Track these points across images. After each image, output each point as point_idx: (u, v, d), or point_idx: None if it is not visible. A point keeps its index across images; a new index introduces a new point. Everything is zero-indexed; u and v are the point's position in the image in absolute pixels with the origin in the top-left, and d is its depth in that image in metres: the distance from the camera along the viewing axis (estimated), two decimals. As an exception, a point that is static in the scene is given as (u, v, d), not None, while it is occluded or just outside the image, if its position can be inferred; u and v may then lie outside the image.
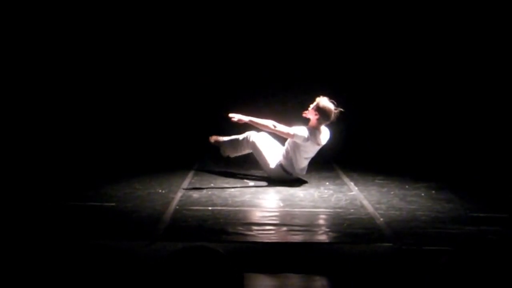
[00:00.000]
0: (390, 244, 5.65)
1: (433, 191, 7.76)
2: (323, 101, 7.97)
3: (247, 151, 8.51)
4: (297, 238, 5.89)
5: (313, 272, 5.08)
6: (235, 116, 7.87)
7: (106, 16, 10.75)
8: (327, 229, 6.19)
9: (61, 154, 9.51)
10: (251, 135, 8.39)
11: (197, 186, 7.91)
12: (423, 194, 7.62)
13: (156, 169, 8.76)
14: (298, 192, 7.73)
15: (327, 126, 8.16)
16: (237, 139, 8.49)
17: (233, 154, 8.62)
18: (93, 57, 10.80)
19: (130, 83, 10.90)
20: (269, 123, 7.94)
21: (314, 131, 7.99)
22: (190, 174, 8.52)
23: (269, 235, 5.94)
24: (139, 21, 10.84)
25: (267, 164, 8.30)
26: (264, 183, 8.16)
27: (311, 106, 8.01)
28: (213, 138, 8.68)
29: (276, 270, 5.22)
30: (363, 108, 10.81)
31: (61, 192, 7.42)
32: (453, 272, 2.24)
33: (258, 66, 10.96)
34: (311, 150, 8.10)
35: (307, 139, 7.94)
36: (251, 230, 6.01)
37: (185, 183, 8.00)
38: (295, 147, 8.06)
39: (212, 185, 7.99)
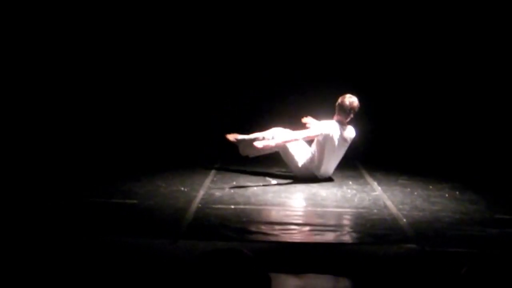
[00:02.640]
0: (414, 246, 5.61)
1: (457, 192, 7.71)
2: (342, 98, 8.08)
3: (271, 151, 8.44)
4: (320, 238, 5.87)
5: (335, 273, 5.05)
6: (260, 145, 7.98)
7: (121, 15, 10.75)
8: (350, 229, 6.18)
9: (84, 151, 9.53)
10: (277, 133, 8.34)
11: (219, 184, 7.90)
12: (447, 195, 7.57)
13: (178, 167, 8.76)
14: (321, 191, 7.70)
15: (352, 124, 8.15)
16: (259, 138, 8.44)
17: (252, 154, 8.54)
18: (112, 54, 10.80)
19: (155, 81, 10.90)
20: (296, 135, 8.06)
21: (338, 124, 8.06)
22: (212, 172, 8.51)
23: (292, 234, 5.93)
24: (162, 17, 10.84)
25: (295, 163, 8.24)
26: (287, 182, 8.13)
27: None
28: (232, 136, 8.65)
29: (298, 270, 5.20)
30: (388, 108, 10.75)
31: (83, 188, 7.44)
32: (473, 283, 2.20)
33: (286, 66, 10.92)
34: (338, 150, 8.07)
35: (332, 131, 7.97)
36: (274, 230, 6.00)
37: (207, 181, 7.98)
38: (322, 147, 8.03)
39: (234, 183, 7.97)
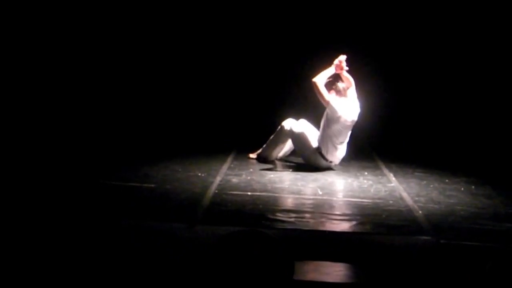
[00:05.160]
0: (429, 238, 5.64)
1: (473, 186, 7.69)
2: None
3: (288, 141, 8.47)
4: (335, 227, 5.91)
5: (350, 261, 5.08)
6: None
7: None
8: (366, 219, 6.18)
9: (104, 134, 9.57)
10: (286, 124, 8.39)
11: (237, 170, 7.93)
12: (462, 189, 7.57)
13: (196, 152, 8.79)
14: (337, 181, 7.72)
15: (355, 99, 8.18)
16: (273, 138, 8.51)
17: (278, 154, 8.59)
18: (133, 42, 10.85)
19: (173, 66, 10.94)
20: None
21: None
22: (230, 159, 8.53)
23: (308, 222, 5.97)
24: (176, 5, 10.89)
25: (305, 148, 8.25)
26: (303, 170, 8.13)
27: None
28: (253, 154, 8.70)
29: (313, 257, 5.23)
30: (407, 100, 10.74)
31: (102, 171, 7.48)
32: (499, 279, 2.21)
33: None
34: (343, 128, 8.08)
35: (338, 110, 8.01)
36: (290, 217, 6.04)
37: (224, 167, 8.01)
38: (329, 125, 8.05)
39: (251, 170, 8.00)
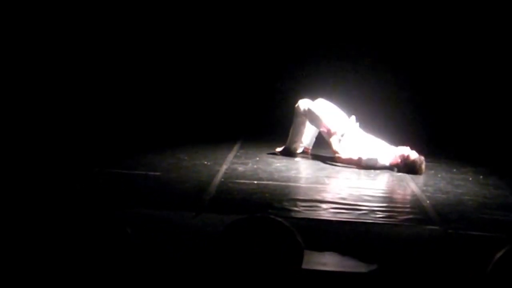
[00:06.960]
0: (436, 227, 5.62)
1: (481, 176, 7.65)
2: (413, 156, 7.72)
3: (306, 124, 8.14)
4: (342, 216, 5.88)
5: (357, 251, 5.05)
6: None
7: None
8: (373, 209, 6.14)
9: (109, 123, 9.54)
10: (301, 103, 8.10)
11: (243, 159, 7.88)
12: (470, 179, 7.53)
13: (202, 141, 8.74)
14: (344, 170, 7.67)
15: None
16: (292, 125, 8.20)
17: (305, 141, 8.27)
18: (139, 28, 10.81)
19: (180, 53, 10.90)
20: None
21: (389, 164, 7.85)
22: (236, 147, 8.48)
23: (314, 211, 5.95)
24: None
25: (327, 128, 7.96)
26: (310, 159, 8.10)
27: (398, 154, 7.76)
28: (279, 148, 8.30)
29: (319, 247, 5.20)
30: (416, 90, 10.68)
31: (107, 159, 7.46)
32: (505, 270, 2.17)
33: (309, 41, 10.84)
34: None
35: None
36: (297, 206, 6.02)
37: (231, 156, 7.97)
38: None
39: (257, 159, 7.94)
